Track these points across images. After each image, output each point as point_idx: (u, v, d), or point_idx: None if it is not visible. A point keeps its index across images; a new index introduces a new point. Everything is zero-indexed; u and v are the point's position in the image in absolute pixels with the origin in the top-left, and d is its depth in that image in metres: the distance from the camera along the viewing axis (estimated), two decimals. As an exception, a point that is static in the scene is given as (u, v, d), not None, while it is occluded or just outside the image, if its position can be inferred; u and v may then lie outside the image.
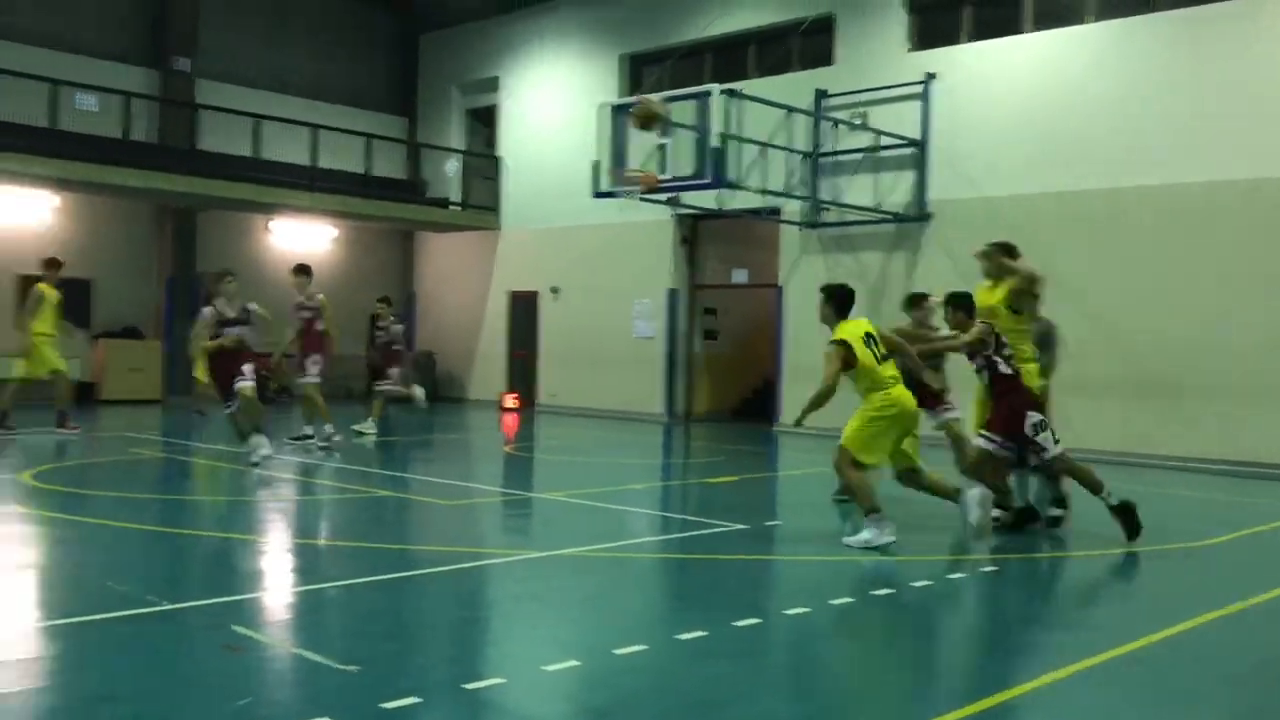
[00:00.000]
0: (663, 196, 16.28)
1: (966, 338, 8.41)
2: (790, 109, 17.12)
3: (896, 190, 17.07)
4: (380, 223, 22.95)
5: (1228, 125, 14.08)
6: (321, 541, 8.33)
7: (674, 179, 15.64)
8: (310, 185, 20.37)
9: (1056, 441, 8.27)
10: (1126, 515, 8.16)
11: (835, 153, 17.63)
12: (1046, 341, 9.16)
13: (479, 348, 23.30)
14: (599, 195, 16.14)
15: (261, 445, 11.29)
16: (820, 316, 8.19)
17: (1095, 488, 8.23)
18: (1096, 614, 6.84)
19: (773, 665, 5.36)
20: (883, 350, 7.99)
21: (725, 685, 4.80)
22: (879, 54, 17.44)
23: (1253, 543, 9.05)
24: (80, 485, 10.29)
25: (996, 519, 8.38)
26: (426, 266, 24.73)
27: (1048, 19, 16.00)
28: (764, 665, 5.29)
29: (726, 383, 20.94)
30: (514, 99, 22.78)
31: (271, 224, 22.11)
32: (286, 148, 20.45)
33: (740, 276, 20.19)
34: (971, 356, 8.44)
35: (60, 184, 18.18)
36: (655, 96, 8.84)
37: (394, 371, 15.17)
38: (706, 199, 16.76)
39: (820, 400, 7.80)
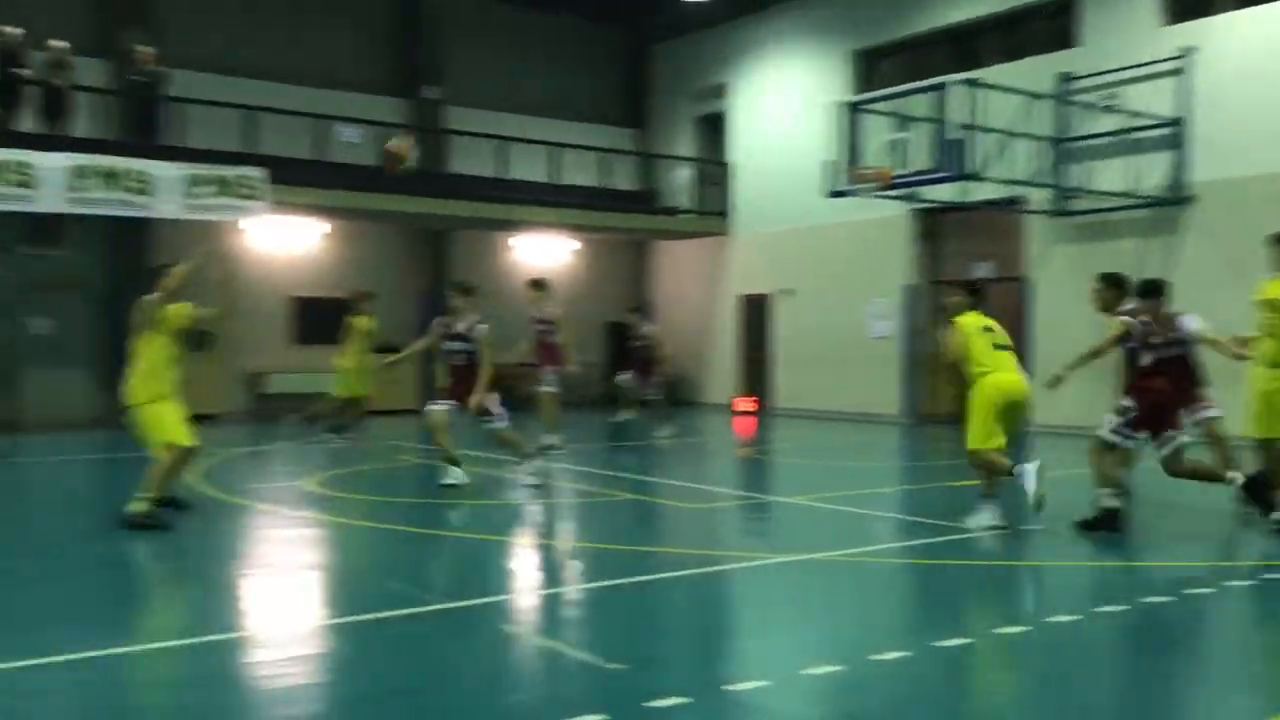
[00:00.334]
0: (899, 192, 15.99)
1: (1110, 336, 8.46)
2: (1033, 95, 16.45)
3: (1151, 173, 16.11)
4: (616, 234, 23.53)
5: None
6: (573, 543, 8.62)
7: (911, 174, 15.34)
8: (551, 201, 21.13)
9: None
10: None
11: (1082, 137, 16.81)
12: None
13: (712, 352, 23.51)
14: (833, 194, 15.99)
15: (530, 468, 10.92)
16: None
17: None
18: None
19: (1042, 675, 5.16)
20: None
21: (993, 695, 4.67)
22: (1128, 31, 16.51)
23: None
24: (355, 490, 11.03)
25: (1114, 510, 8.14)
26: (660, 274, 25.16)
27: (1321, -22, 14.74)
28: (1032, 675, 5.11)
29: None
30: (743, 103, 22.88)
31: (515, 240, 23.07)
32: (528, 166, 21.29)
33: (983, 270, 19.51)
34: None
35: (326, 212, 19.60)
36: (402, 142, 8.86)
37: (655, 379, 15.61)
38: (946, 192, 16.33)
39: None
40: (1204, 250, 14.97)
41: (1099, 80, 16.63)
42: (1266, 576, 7.02)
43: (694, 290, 24.02)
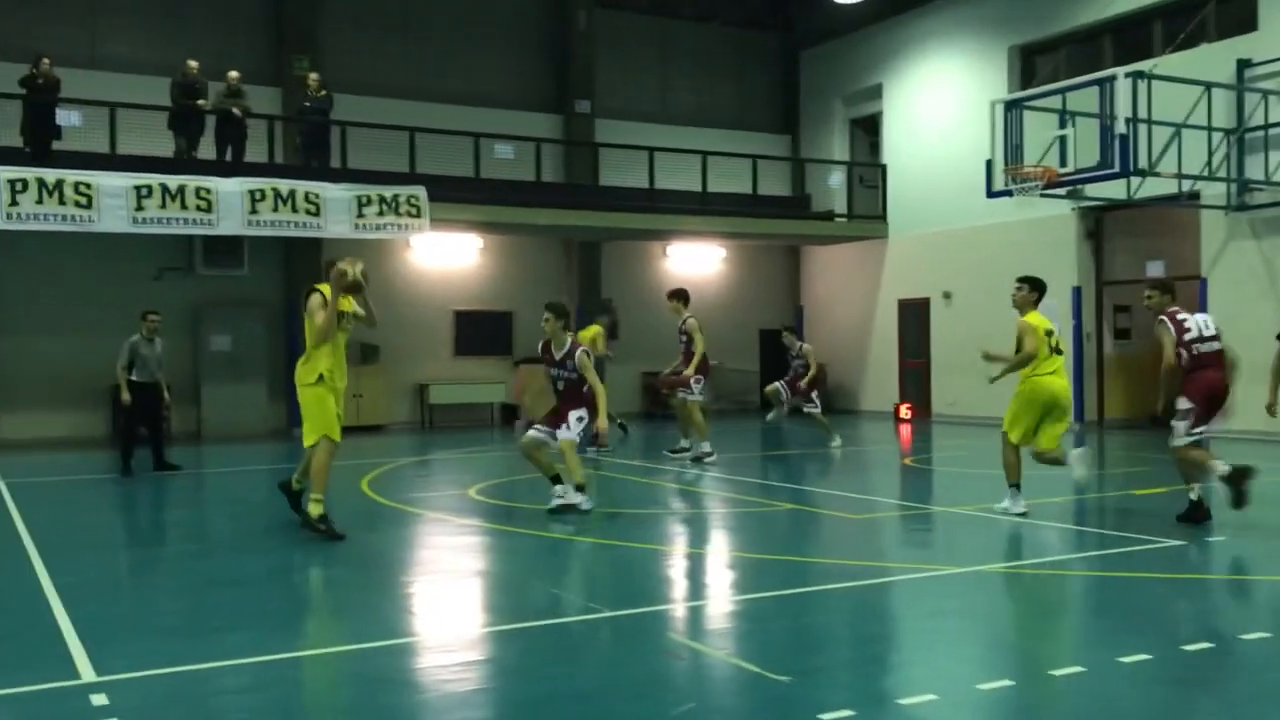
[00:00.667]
0: (1063, 190, 15.45)
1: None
2: (1207, 84, 15.65)
3: (1341, 162, 15.13)
4: (768, 240, 23.42)
5: None
6: (735, 553, 8.58)
7: (1076, 171, 14.81)
8: (701, 210, 21.18)
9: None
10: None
11: (1262, 126, 15.90)
12: None
13: (869, 358, 23.12)
14: (994, 194, 15.56)
15: (567, 494, 9.74)
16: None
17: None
18: None
19: (1234, 695, 4.88)
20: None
21: (1179, 714, 4.44)
22: (1312, 11, 15.56)
23: None
24: (517, 499, 11.24)
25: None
26: (813, 279, 24.90)
27: None
28: (1223, 694, 4.84)
29: (1144, 385, 19.37)
30: (897, 104, 22.48)
31: (668, 249, 23.22)
32: (678, 176, 21.39)
33: (1155, 269, 18.63)
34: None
35: (484, 227, 20.11)
36: (353, 265, 8.10)
37: (811, 394, 15.53)
38: (1114, 189, 15.69)
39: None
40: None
41: (1280, 66, 15.73)
42: None
43: (849, 295, 23.68)
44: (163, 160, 17.07)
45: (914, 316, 22.05)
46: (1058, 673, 4.94)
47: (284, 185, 16.88)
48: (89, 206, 15.52)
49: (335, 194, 17.26)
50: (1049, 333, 9.37)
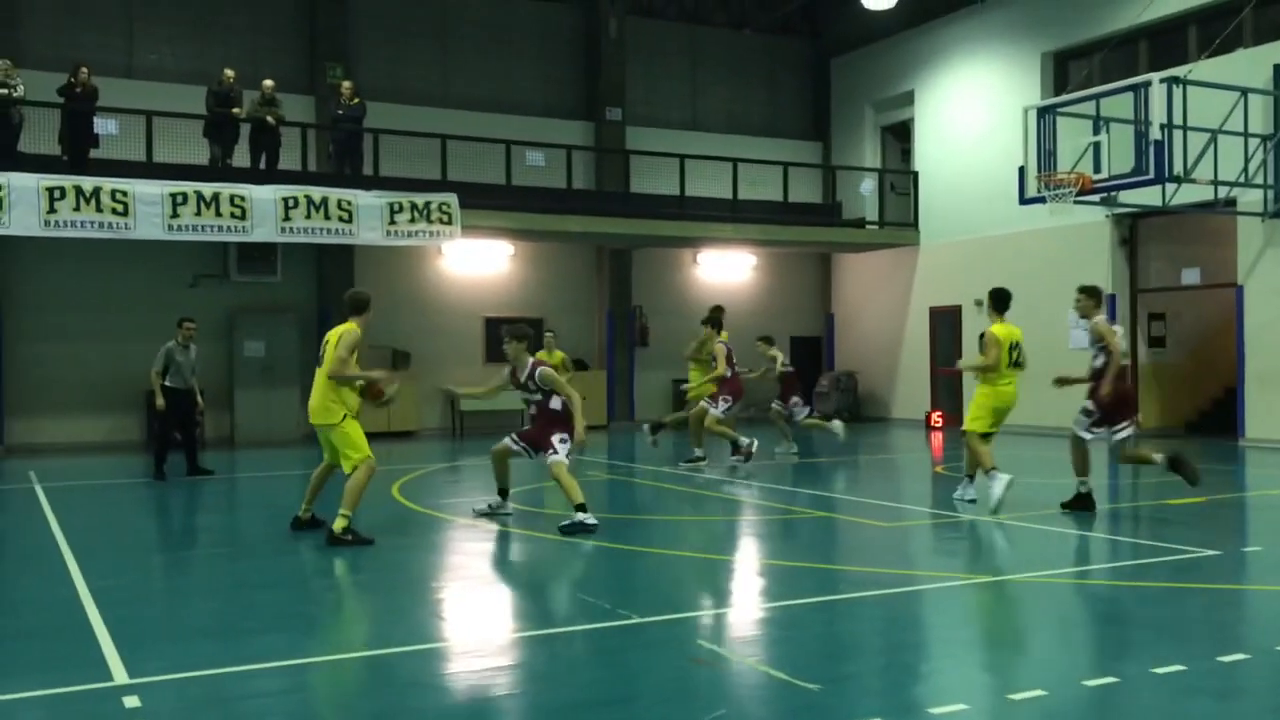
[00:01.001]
0: (1097, 197, 15.32)
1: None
2: (1243, 90, 15.48)
3: (1382, 168, 14.91)
4: (798, 247, 23.36)
5: None
6: (764, 560, 8.57)
7: (1110, 177, 14.69)
8: (732, 217, 21.16)
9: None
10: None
11: (1301, 132, 15.71)
12: None
13: (901, 366, 23.00)
14: (1027, 201, 15.45)
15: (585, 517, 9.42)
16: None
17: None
18: None
19: (1269, 706, 4.81)
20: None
21: (1216, 726, 4.39)
22: (1352, 15, 15.36)
23: None
24: (546, 505, 11.26)
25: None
26: (844, 287, 24.81)
27: None
28: (1258, 706, 4.77)
29: (1178, 394, 19.21)
30: (929, 111, 22.37)
31: (699, 256, 23.21)
32: (709, 183, 21.39)
33: (1191, 277, 18.47)
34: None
35: (515, 234, 20.18)
36: (390, 387, 8.92)
37: (797, 398, 15.55)
38: (1149, 195, 15.54)
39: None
40: None
41: (1319, 70, 15.54)
42: None
43: (880, 303, 23.57)
44: (198, 168, 17.26)
45: (946, 324, 21.92)
46: (1090, 683, 4.90)
47: (317, 192, 17.02)
48: (125, 214, 15.71)
49: (367, 201, 17.38)
50: (1015, 346, 10.32)
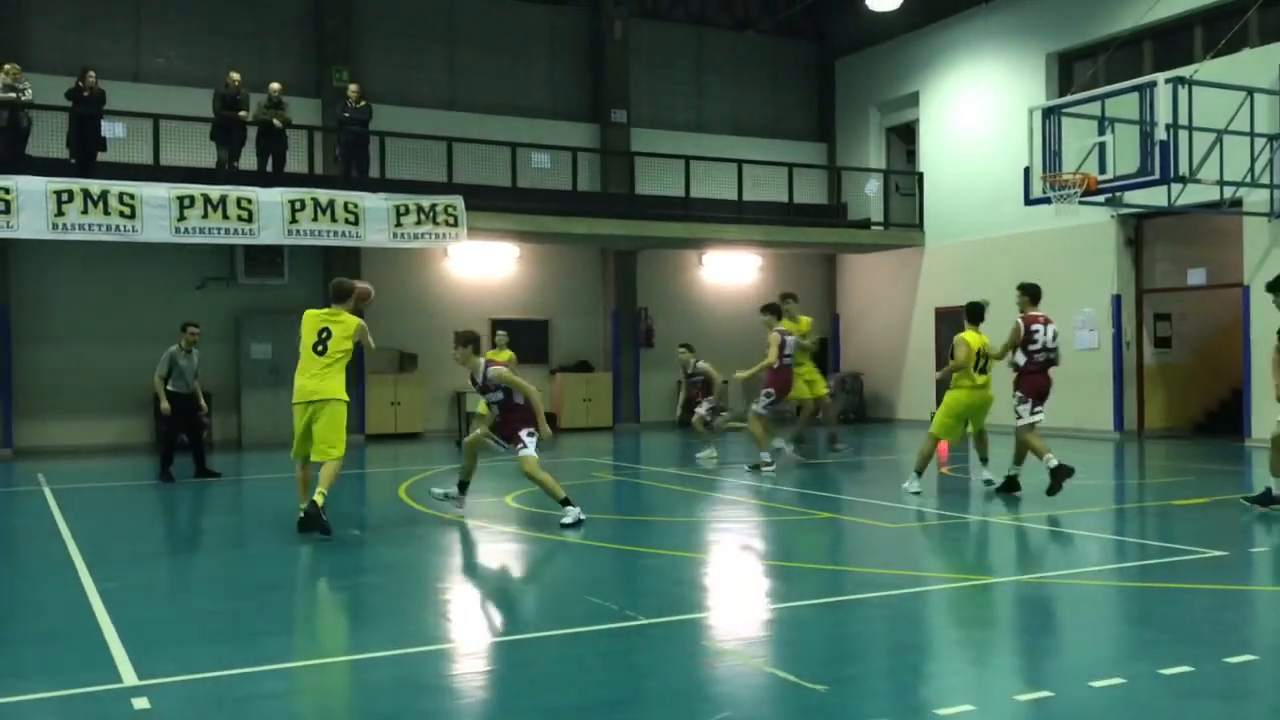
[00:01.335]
0: (1103, 197, 15.31)
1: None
2: (1249, 90, 15.47)
3: (1388, 167, 14.88)
4: (803, 249, 23.36)
5: None
6: (771, 561, 8.57)
7: (1115, 178, 14.68)
8: (737, 218, 21.17)
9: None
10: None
11: (1307, 132, 15.68)
12: None
13: (906, 367, 22.99)
14: (1032, 202, 15.45)
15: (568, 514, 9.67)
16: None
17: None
18: None
19: (1277, 708, 4.81)
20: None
21: (1223, 727, 4.39)
22: (1358, 15, 15.33)
23: None
24: (553, 507, 11.28)
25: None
26: (850, 287, 24.80)
27: None
28: (1266, 707, 4.77)
29: (1185, 395, 19.18)
30: (934, 112, 22.37)
31: (705, 257, 23.22)
32: (713, 184, 21.40)
33: (1197, 277, 18.44)
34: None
35: (520, 236, 20.20)
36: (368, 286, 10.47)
37: (706, 402, 15.40)
38: (1154, 196, 15.52)
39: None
40: None
41: (1325, 70, 15.51)
42: None
43: (885, 304, 23.57)
44: (205, 171, 17.31)
45: (952, 325, 21.82)
46: (1097, 684, 4.90)
47: (323, 195, 17.07)
48: (132, 216, 15.77)
49: (374, 203, 17.42)
50: (982, 354, 11.11)
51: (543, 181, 20.20)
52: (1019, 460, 11.22)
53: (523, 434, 9.60)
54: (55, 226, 15.39)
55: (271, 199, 16.64)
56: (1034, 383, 11.00)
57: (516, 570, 8.26)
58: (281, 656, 5.61)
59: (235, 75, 17.74)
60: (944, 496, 12.31)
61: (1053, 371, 11.21)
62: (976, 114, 21.28)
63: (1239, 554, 8.02)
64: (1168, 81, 14.20)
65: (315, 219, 16.87)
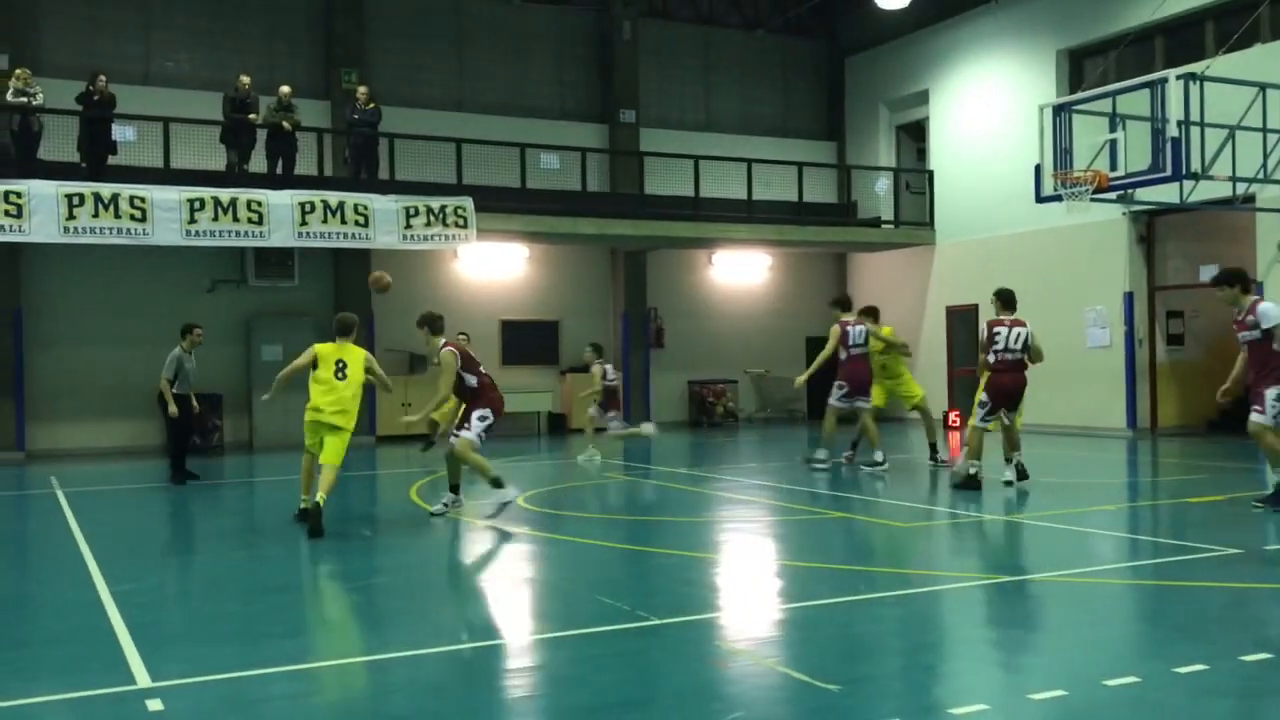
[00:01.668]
0: (1114, 194, 15.23)
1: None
2: (1262, 85, 15.38)
3: (1403, 163, 14.78)
4: (814, 247, 23.32)
5: None
6: (783, 561, 8.55)
7: (1127, 175, 14.61)
8: (747, 218, 21.14)
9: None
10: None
11: (1320, 127, 15.58)
12: None
13: (917, 365, 22.88)
14: (1043, 200, 15.38)
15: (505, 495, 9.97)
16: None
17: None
18: None
19: (1294, 706, 4.79)
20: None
21: (1239, 726, 4.36)
22: (1371, 9, 15.24)
23: None
24: (563, 507, 11.29)
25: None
26: (860, 286, 24.71)
27: None
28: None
29: (1198, 392, 19.06)
30: (944, 110, 22.32)
31: (713, 258, 23.20)
32: (723, 184, 21.38)
33: (1210, 274, 18.31)
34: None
35: (530, 237, 20.21)
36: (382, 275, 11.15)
37: (615, 412, 15.45)
38: (1166, 193, 15.45)
39: None
40: None
41: (1338, 65, 15.42)
42: None
43: (896, 302, 23.43)
44: (215, 174, 17.35)
45: (963, 324, 21.84)
46: (1111, 683, 4.87)
47: (333, 197, 17.09)
48: (143, 220, 15.82)
49: (383, 205, 17.44)
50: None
51: (552, 182, 20.21)
52: (976, 455, 11.47)
53: (474, 415, 9.84)
54: (67, 230, 15.45)
55: (281, 201, 16.68)
56: (996, 382, 11.36)
57: (528, 571, 8.26)
58: (295, 658, 5.61)
59: (245, 78, 17.78)
60: (955, 494, 12.29)
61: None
62: (987, 112, 21.22)
63: (1254, 552, 7.97)
64: (1179, 78, 14.12)
65: (325, 221, 16.89)
